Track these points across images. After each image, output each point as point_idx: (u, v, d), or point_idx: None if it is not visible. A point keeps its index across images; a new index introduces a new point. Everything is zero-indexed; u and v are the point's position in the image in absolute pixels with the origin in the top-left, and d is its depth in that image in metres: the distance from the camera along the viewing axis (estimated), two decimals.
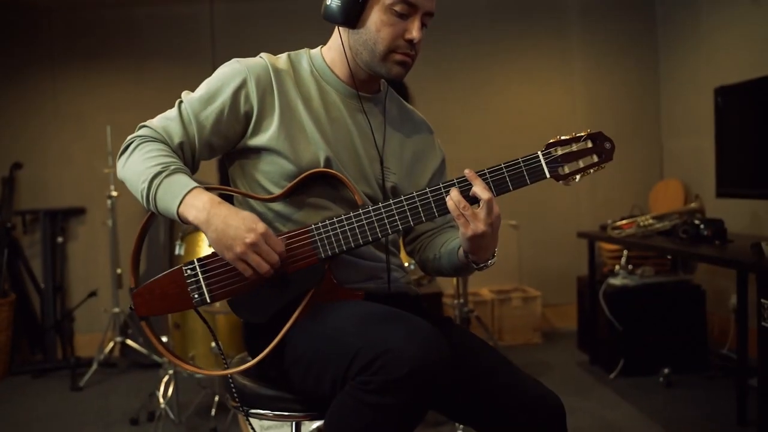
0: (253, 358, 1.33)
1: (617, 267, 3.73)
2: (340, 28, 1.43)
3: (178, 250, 2.95)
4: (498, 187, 1.30)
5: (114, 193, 4.00)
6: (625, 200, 4.54)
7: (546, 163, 1.31)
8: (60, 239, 4.41)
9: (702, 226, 2.97)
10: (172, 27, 4.59)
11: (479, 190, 1.26)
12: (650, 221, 3.33)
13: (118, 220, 4.05)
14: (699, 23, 4.18)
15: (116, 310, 4.01)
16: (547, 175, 1.32)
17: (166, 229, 4.18)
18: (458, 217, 1.27)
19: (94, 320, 4.41)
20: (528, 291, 4.55)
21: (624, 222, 3.46)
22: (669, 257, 3.92)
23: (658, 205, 4.31)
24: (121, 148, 1.36)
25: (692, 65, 4.30)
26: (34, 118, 4.58)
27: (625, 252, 3.78)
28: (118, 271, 4.03)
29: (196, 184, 1.26)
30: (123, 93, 4.54)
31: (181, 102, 1.39)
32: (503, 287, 4.65)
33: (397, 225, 1.31)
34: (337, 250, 1.30)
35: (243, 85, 1.37)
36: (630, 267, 3.67)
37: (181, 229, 3.16)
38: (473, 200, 1.28)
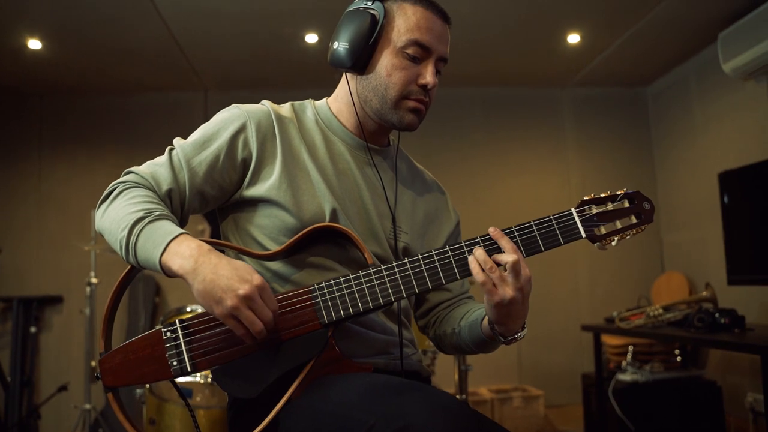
0: None
1: (624, 363, 3.53)
2: (347, 74, 1.32)
3: None
4: (528, 247, 1.15)
5: (94, 280, 3.81)
6: (625, 294, 4.40)
7: (581, 221, 1.17)
8: (33, 329, 4.15)
9: (717, 315, 2.81)
10: (165, 114, 4.57)
11: (506, 250, 1.11)
12: (660, 311, 3.16)
13: (96, 309, 3.83)
14: (692, 115, 4.21)
15: (87, 406, 3.70)
16: (583, 235, 1.18)
17: (147, 317, 3.97)
18: (483, 284, 1.10)
19: (62, 417, 4.07)
20: (529, 390, 4.29)
21: (632, 313, 3.30)
22: (677, 352, 3.74)
23: (661, 298, 4.16)
24: (102, 196, 1.21)
25: (687, 157, 4.29)
26: (18, 202, 4.44)
27: (631, 347, 3.59)
28: (93, 363, 3.76)
29: (182, 231, 1.10)
30: (110, 178, 4.39)
31: (172, 148, 1.25)
32: (503, 386, 4.39)
33: (413, 287, 1.14)
34: (342, 314, 1.13)
35: (242, 129, 1.24)
36: (637, 364, 3.47)
37: (162, 313, 2.95)
38: (499, 263, 1.13)
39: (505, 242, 1.12)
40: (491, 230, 1.14)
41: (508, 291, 1.09)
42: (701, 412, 3.29)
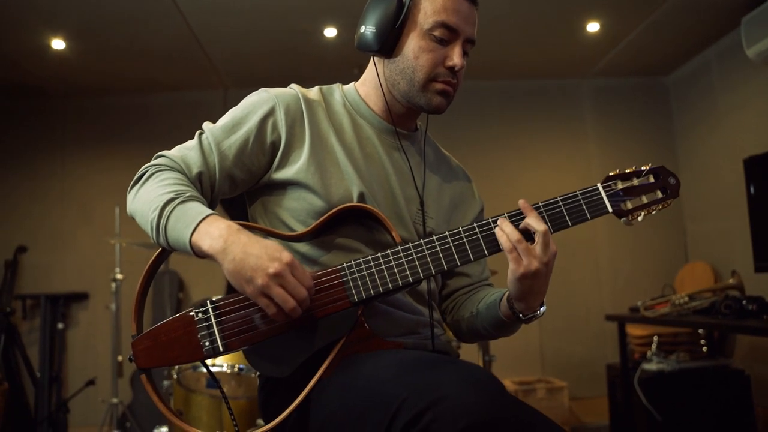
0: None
1: (649, 353, 3.50)
2: (375, 58, 1.33)
3: None
4: (555, 222, 1.16)
5: (119, 276, 3.85)
6: (648, 285, 4.36)
7: (607, 196, 1.17)
8: (60, 325, 4.21)
9: (744, 302, 2.77)
10: (185, 112, 4.61)
11: (534, 221, 1.12)
12: (685, 299, 3.13)
13: (122, 305, 3.87)
14: (715, 102, 4.16)
15: (115, 400, 3.74)
16: (609, 210, 1.18)
17: (172, 313, 4.00)
18: (510, 251, 1.11)
19: (90, 412, 4.13)
20: (553, 382, 4.27)
21: (656, 302, 3.27)
22: (703, 342, 3.70)
23: (686, 288, 4.12)
24: (134, 179, 1.23)
25: (710, 144, 4.24)
26: (42, 200, 4.52)
27: (656, 337, 3.56)
28: (119, 358, 3.80)
29: (212, 212, 1.11)
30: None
31: (201, 132, 1.27)
32: (526, 378, 4.37)
33: (441, 264, 1.14)
34: (372, 292, 1.13)
35: (271, 113, 1.25)
36: (662, 354, 3.44)
37: (188, 307, 2.98)
38: (526, 237, 1.13)
39: (533, 215, 1.13)
40: (521, 202, 1.15)
41: (533, 263, 1.10)
42: (729, 401, 3.25)
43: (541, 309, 1.21)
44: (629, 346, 3.83)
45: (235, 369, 2.46)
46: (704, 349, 3.69)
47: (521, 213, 1.15)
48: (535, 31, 3.91)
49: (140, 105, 4.65)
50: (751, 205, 3.16)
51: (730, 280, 3.15)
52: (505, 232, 1.11)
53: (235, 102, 1.32)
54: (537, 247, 1.10)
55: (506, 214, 1.15)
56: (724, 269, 4.01)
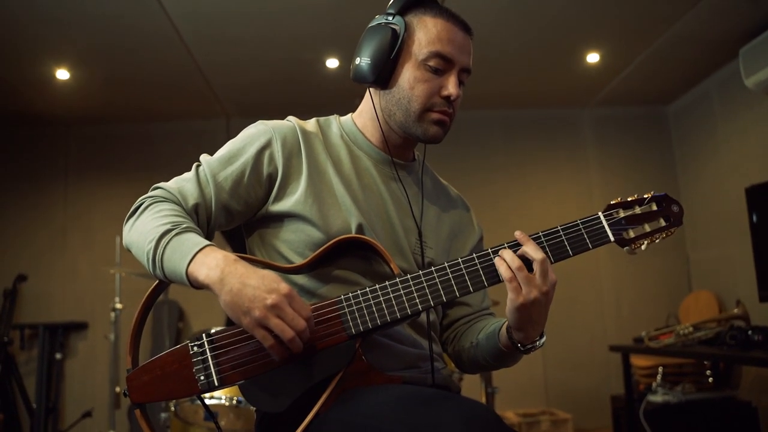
0: None
1: (654, 384, 3.44)
2: (370, 89, 1.32)
3: None
4: (556, 252, 1.14)
5: (118, 306, 3.83)
6: (651, 315, 4.32)
7: (609, 225, 1.16)
8: (58, 355, 4.17)
9: (750, 332, 2.74)
10: (188, 141, 4.63)
11: (531, 249, 1.10)
12: (690, 330, 3.09)
13: (121, 335, 3.84)
14: (715, 131, 4.16)
15: None
16: (611, 239, 1.16)
17: (171, 342, 3.97)
18: (510, 280, 1.09)
19: None
20: (557, 414, 4.20)
21: (661, 332, 3.23)
22: (708, 372, 3.65)
23: (690, 317, 4.08)
24: (130, 211, 1.21)
25: (712, 173, 4.24)
26: (44, 229, 4.51)
27: (661, 368, 3.51)
28: (117, 389, 3.76)
29: (209, 243, 1.10)
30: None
31: (199, 164, 1.26)
32: (530, 410, 4.31)
33: (440, 296, 1.12)
34: (370, 325, 1.11)
35: (267, 145, 1.24)
36: (668, 385, 3.39)
37: (188, 337, 2.95)
38: (526, 267, 1.12)
39: (530, 244, 1.12)
40: (517, 234, 1.13)
41: (533, 292, 1.08)
42: None
43: (541, 339, 1.19)
44: (634, 377, 3.78)
45: (234, 401, 2.42)
46: (710, 380, 3.63)
47: (520, 243, 1.13)
48: (537, 62, 3.94)
49: (143, 134, 4.67)
50: (754, 234, 3.14)
51: (735, 310, 3.12)
52: (505, 260, 1.10)
53: (238, 131, 1.31)
54: (536, 276, 1.09)
55: (506, 245, 1.14)
56: (728, 298, 3.97)
